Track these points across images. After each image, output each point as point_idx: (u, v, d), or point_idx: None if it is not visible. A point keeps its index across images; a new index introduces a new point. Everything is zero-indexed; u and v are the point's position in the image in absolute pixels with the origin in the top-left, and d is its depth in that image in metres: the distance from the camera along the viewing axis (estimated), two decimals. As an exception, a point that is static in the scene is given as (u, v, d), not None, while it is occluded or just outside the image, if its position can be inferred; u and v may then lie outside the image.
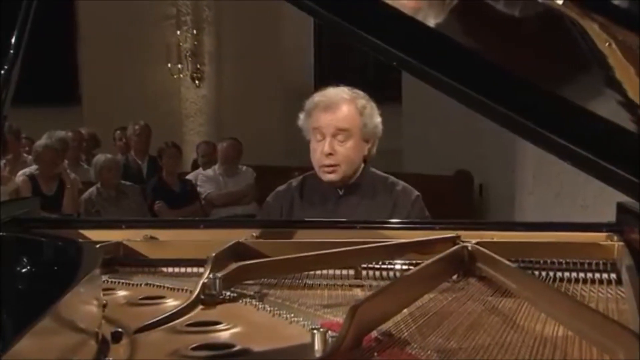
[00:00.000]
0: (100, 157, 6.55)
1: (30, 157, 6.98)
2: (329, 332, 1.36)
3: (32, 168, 6.48)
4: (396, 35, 1.36)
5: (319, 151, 2.64)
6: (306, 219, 2.46)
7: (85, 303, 1.34)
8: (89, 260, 1.42)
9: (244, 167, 7.22)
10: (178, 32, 10.18)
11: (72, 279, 1.31)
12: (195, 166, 8.11)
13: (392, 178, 2.77)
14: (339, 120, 2.62)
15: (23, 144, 7.67)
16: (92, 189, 6.39)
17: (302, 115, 2.70)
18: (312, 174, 2.76)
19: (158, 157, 7.31)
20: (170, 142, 7.30)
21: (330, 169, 2.64)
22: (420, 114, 7.87)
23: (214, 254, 1.84)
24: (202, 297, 1.69)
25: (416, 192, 2.72)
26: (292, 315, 1.58)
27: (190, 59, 10.21)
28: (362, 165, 2.73)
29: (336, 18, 1.40)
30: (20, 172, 6.46)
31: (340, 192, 2.71)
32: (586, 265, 1.92)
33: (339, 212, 2.65)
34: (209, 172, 7.18)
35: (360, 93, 2.69)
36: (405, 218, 2.60)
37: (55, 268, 1.61)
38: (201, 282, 1.71)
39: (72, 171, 6.92)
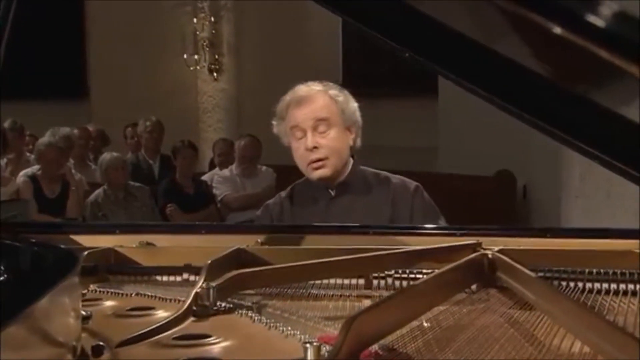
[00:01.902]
0: (105, 156, 6.62)
1: (33, 156, 7.06)
2: (325, 346, 1.37)
3: (35, 168, 6.55)
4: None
5: (302, 149, 2.70)
6: (315, 224, 2.48)
7: (60, 313, 1.36)
8: (66, 267, 1.45)
9: (264, 167, 7.24)
10: (194, 20, 10.24)
11: (47, 287, 1.33)
12: (212, 166, 8.15)
13: (385, 172, 2.83)
14: (316, 110, 2.70)
15: (27, 142, 7.76)
16: (99, 191, 6.45)
17: (275, 122, 2.79)
18: (301, 182, 2.84)
19: (172, 157, 7.36)
20: (187, 141, 7.33)
21: (319, 164, 2.71)
22: (458, 108, 7.83)
23: (209, 261, 1.86)
24: (194, 308, 1.71)
25: (415, 183, 2.78)
26: (290, 328, 1.59)
27: (207, 49, 10.26)
28: (351, 161, 2.79)
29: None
30: (22, 173, 6.54)
31: (332, 193, 2.77)
32: (619, 276, 1.91)
33: (332, 214, 2.72)
34: (226, 172, 7.21)
35: (331, 84, 2.80)
36: (409, 212, 2.68)
37: (30, 276, 1.64)
38: (193, 291, 1.73)
39: (78, 171, 7.01)
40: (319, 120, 2.69)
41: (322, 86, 2.77)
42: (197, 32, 10.23)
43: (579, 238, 2.19)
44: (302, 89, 2.76)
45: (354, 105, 2.78)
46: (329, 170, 2.72)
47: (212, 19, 10.27)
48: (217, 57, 10.33)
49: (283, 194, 2.85)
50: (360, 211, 2.68)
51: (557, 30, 1.16)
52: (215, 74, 10.36)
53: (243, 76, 10.44)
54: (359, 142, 2.79)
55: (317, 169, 2.71)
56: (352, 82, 2.78)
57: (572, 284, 1.92)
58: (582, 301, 1.81)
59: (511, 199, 7.70)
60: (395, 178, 2.80)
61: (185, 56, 10.19)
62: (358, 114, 2.78)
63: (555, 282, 1.91)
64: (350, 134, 2.76)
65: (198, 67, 10.30)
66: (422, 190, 2.76)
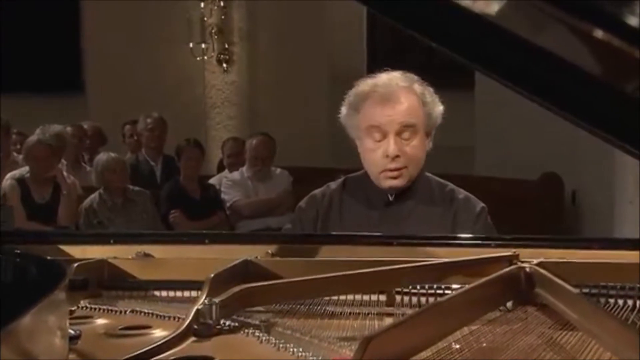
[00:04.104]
0: (101, 157, 6.64)
1: (21, 156, 7.09)
2: (339, 369, 1.38)
3: (23, 170, 6.59)
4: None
5: (381, 154, 2.63)
6: (332, 233, 2.48)
7: (45, 332, 1.38)
8: (52, 280, 1.46)
9: (278, 170, 7.25)
10: (202, 5, 10.26)
11: (30, 302, 1.34)
12: (221, 168, 8.18)
13: (451, 185, 2.77)
14: (404, 113, 2.62)
15: (14, 141, 7.80)
16: (94, 196, 6.48)
17: (345, 109, 2.71)
18: (355, 176, 2.79)
19: (176, 157, 7.39)
20: (192, 140, 7.36)
21: (395, 173, 2.64)
22: (497, 103, 7.82)
23: (212, 275, 1.87)
24: (195, 326, 1.72)
25: (482, 204, 2.72)
26: (301, 349, 1.61)
27: (216, 37, 10.28)
28: None
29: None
30: (9, 175, 6.57)
31: (390, 198, 2.71)
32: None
33: (387, 222, 2.66)
34: (236, 175, 7.22)
35: (413, 76, 2.69)
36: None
37: (11, 290, 1.66)
38: (194, 308, 1.74)
39: (71, 173, 7.02)
40: (406, 126, 2.62)
41: (406, 80, 2.66)
42: (205, 18, 10.24)
43: (630, 249, 2.17)
44: (384, 81, 2.65)
45: (440, 108, 2.69)
46: (403, 181, 2.66)
47: (222, 3, 10.27)
48: (226, 45, 10.34)
49: (333, 185, 2.78)
50: (417, 222, 2.63)
51: (604, 30, 1.17)
52: (224, 65, 10.36)
53: (256, 67, 10.44)
54: (430, 146, 2.73)
55: (391, 178, 2.64)
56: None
57: (620, 302, 1.92)
58: (631, 321, 1.80)
59: (558, 205, 7.67)
60: (462, 194, 2.73)
61: (191, 45, 10.19)
62: (440, 118, 2.71)
63: (602, 300, 1.91)
64: (427, 138, 2.70)
65: (206, 57, 10.29)
66: (487, 214, 2.70)
